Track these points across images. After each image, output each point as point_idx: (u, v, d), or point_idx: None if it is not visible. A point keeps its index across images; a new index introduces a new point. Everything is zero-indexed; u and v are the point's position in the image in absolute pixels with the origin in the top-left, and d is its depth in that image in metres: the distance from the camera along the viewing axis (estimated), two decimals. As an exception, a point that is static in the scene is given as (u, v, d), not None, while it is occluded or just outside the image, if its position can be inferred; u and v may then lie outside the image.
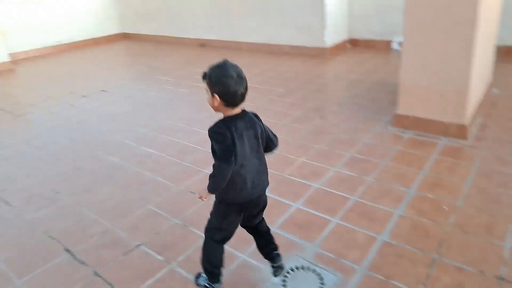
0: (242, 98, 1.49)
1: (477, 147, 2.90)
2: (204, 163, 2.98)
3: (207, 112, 3.95)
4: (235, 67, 1.47)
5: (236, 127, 1.48)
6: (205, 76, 1.48)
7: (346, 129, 3.38)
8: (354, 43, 6.25)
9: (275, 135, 1.67)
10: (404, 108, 3.20)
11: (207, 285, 1.78)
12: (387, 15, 5.74)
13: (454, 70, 2.84)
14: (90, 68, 6.53)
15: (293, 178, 2.71)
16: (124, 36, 9.06)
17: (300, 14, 5.76)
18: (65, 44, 8.16)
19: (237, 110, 1.52)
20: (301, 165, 2.86)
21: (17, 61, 7.24)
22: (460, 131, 2.99)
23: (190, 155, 3.15)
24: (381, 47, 5.96)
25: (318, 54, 5.87)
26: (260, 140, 1.58)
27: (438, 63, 2.88)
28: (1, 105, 4.82)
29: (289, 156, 3.00)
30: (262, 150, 1.61)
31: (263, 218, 1.76)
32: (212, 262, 1.72)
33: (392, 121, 3.32)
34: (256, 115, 1.59)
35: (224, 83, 1.43)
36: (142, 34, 8.64)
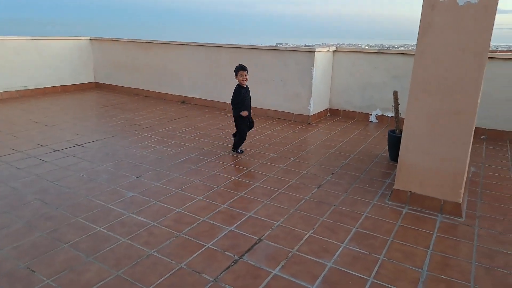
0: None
1: (471, 225, 2.98)
2: (205, 235, 2.76)
3: (200, 176, 3.84)
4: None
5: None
6: (247, 69, 4.27)
7: (345, 200, 3.35)
8: (333, 113, 6.54)
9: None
10: (402, 184, 3.27)
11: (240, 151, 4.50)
12: (366, 90, 6.14)
13: (453, 153, 2.99)
14: (61, 118, 6.15)
15: (304, 255, 2.57)
16: (96, 86, 8.83)
17: (290, 83, 6.02)
18: (30, 89, 7.74)
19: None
20: (309, 240, 2.74)
21: (-24, 104, 6.68)
22: (455, 209, 3.09)
23: (187, 225, 2.92)
24: (359, 118, 6.28)
25: (302, 120, 6.05)
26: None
27: (438, 146, 3.03)
28: (-42, 155, 4.29)
29: (295, 229, 2.88)
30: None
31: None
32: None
33: (390, 195, 3.36)
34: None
35: None
36: (117, 85, 8.48)
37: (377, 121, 6.14)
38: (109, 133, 5.34)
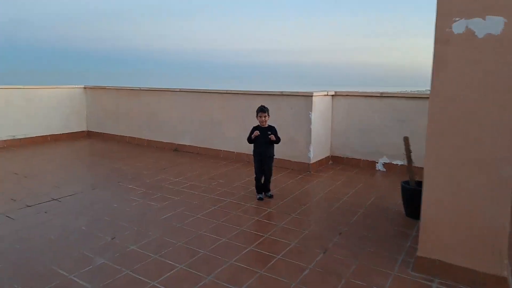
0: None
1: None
2: (183, 321, 2.17)
3: (184, 236, 3.25)
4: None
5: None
6: (267, 110, 4.23)
7: (358, 270, 2.76)
8: (335, 160, 6.07)
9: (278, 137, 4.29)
10: (427, 250, 2.70)
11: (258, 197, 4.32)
12: (369, 136, 5.72)
13: (487, 211, 2.46)
14: (43, 168, 5.70)
15: None
16: (88, 134, 8.48)
17: (285, 129, 5.54)
18: (18, 139, 7.36)
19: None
20: (315, 329, 2.13)
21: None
22: (499, 285, 2.47)
23: (161, 305, 2.32)
24: (364, 166, 5.79)
25: (301, 169, 5.56)
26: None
27: (467, 203, 2.51)
28: None
29: (297, 312, 2.28)
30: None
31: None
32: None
33: (414, 264, 2.77)
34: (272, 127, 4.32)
35: None
36: (109, 134, 8.12)
37: (385, 170, 5.64)
38: (91, 185, 4.84)
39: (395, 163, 5.56)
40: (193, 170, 5.59)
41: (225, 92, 6.39)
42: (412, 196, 3.67)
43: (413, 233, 3.42)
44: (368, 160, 5.76)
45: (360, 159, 5.83)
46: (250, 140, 4.25)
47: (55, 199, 4.26)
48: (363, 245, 3.17)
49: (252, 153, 4.36)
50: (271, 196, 4.35)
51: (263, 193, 4.35)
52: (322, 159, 5.83)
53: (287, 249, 3.08)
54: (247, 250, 3.06)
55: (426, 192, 2.66)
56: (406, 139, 3.76)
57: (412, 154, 3.76)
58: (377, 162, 5.68)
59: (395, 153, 5.51)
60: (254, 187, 4.42)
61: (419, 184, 3.80)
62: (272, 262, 2.86)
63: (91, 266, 2.78)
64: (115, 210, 3.94)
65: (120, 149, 7.19)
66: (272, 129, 4.26)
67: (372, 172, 5.59)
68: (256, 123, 4.31)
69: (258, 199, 4.25)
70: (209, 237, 3.29)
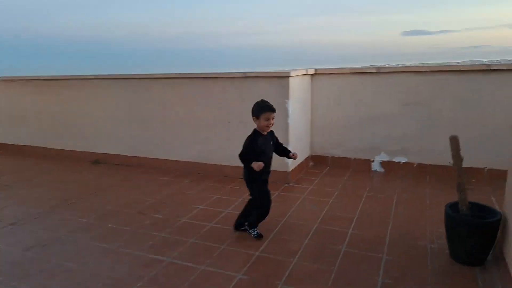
0: None
1: None
2: None
3: None
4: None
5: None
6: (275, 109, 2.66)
7: None
8: (317, 161, 4.58)
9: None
10: None
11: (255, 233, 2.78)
12: (361, 127, 4.28)
13: None
14: None
15: None
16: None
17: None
18: None
19: None
20: None
21: None
22: None
23: None
24: (357, 167, 4.36)
25: (277, 180, 3.91)
26: None
27: None
28: None
29: None
30: None
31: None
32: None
33: None
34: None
35: None
36: (1, 144, 5.92)
37: (383, 170, 4.26)
38: None
39: (396, 160, 4.18)
40: (116, 197, 3.78)
41: (165, 77, 4.57)
42: (468, 231, 2.25)
43: (484, 297, 2.02)
44: (361, 159, 4.33)
45: (349, 158, 4.39)
46: (249, 160, 2.60)
47: None
48: None
49: (252, 175, 2.68)
50: (259, 236, 2.85)
51: (242, 226, 2.92)
52: (302, 162, 4.29)
53: None
54: None
55: None
56: (453, 140, 2.31)
57: (460, 159, 2.33)
58: (373, 161, 4.28)
59: (395, 148, 4.15)
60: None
61: (474, 208, 2.40)
62: None
63: None
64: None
65: (11, 167, 5.07)
66: (273, 136, 2.85)
67: (368, 175, 4.17)
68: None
69: (256, 236, 2.79)
70: None
